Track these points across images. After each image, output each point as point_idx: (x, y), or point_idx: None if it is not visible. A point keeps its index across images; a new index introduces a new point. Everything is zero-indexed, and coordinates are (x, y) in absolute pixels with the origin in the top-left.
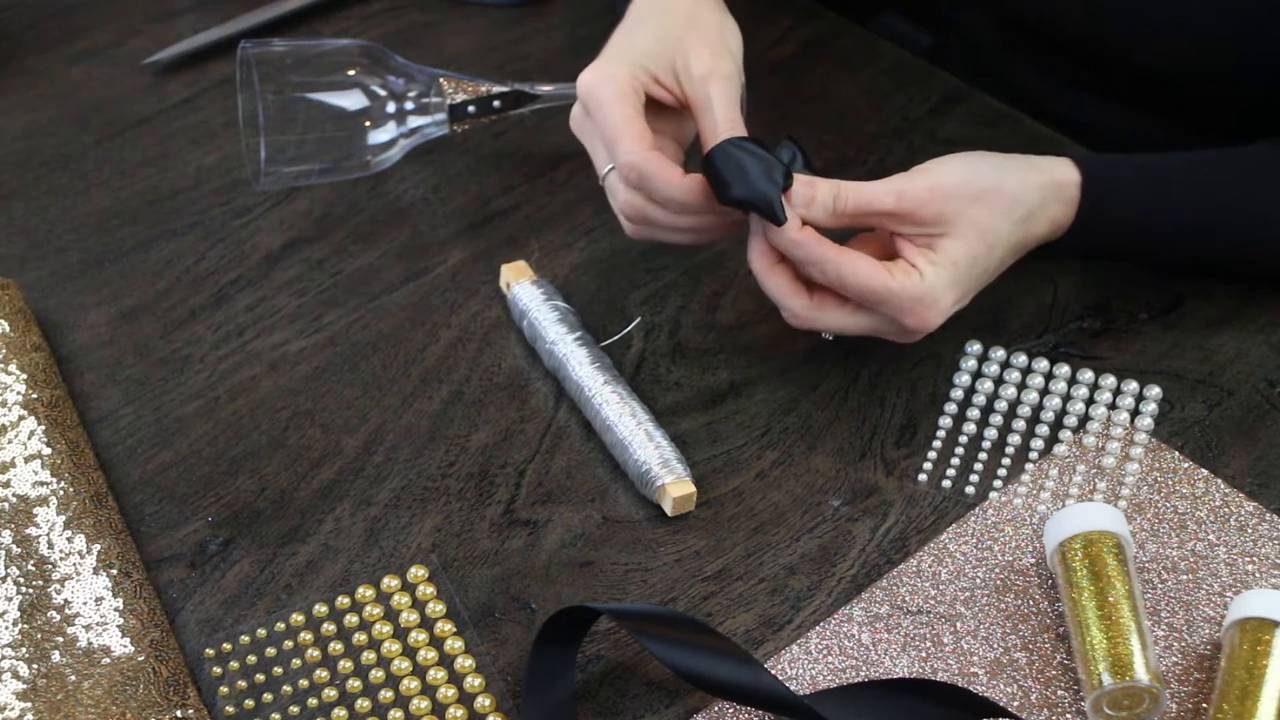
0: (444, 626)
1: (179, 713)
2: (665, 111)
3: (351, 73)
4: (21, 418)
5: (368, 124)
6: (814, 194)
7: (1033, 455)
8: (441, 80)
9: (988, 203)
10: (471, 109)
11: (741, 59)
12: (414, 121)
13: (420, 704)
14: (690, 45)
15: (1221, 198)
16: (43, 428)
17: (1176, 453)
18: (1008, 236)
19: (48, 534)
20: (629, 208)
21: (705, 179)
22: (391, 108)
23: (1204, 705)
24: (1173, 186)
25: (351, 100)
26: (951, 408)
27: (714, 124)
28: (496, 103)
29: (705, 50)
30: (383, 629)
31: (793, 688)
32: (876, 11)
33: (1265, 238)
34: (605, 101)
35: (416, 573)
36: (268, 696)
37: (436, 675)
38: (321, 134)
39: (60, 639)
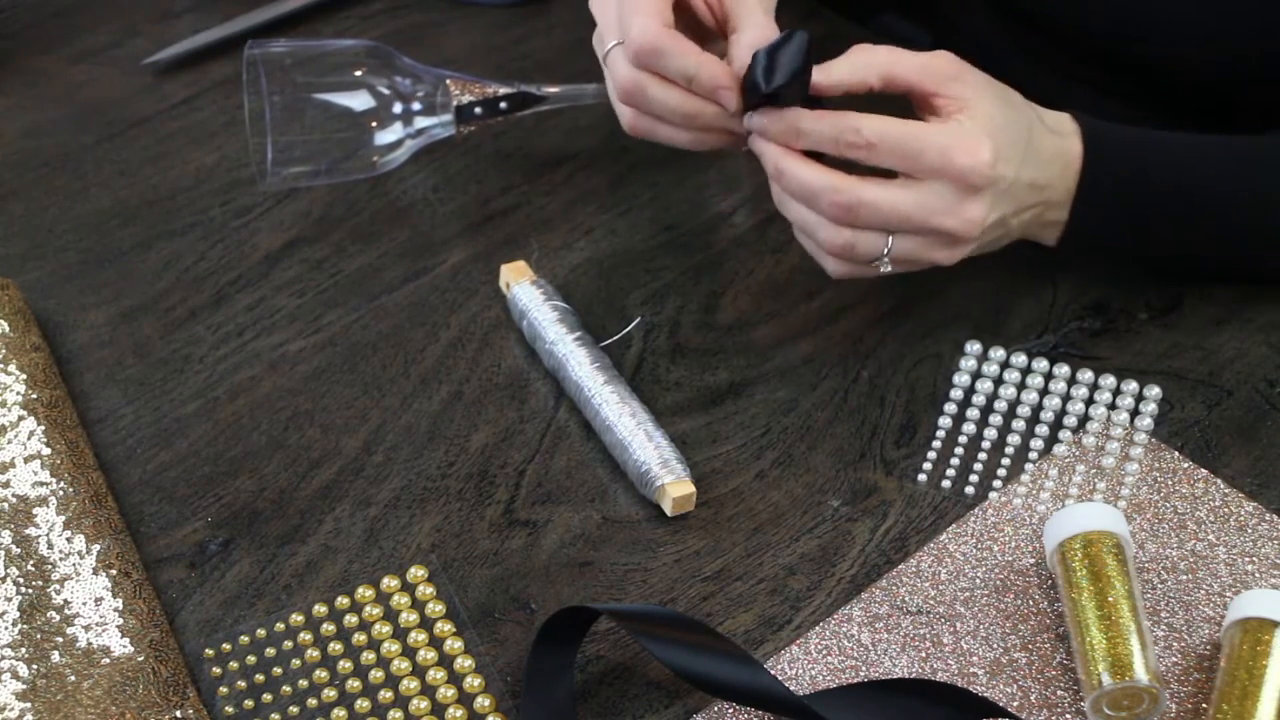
0: (444, 627)
1: (179, 713)
2: (696, 34)
3: (358, 73)
4: (21, 418)
5: (374, 124)
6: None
7: (1032, 455)
8: (449, 82)
9: (996, 83)
10: (478, 111)
11: None
12: (421, 123)
13: (420, 704)
14: None
15: (1225, 166)
16: (42, 428)
17: (1176, 453)
18: (1022, 111)
19: (47, 534)
20: (630, 84)
21: (745, 75)
22: (398, 108)
23: (1204, 705)
24: (1171, 146)
25: (359, 101)
26: (951, 408)
27: (756, 26)
28: (503, 104)
29: None
30: (382, 629)
31: (792, 688)
32: (876, 12)
33: (1263, 217)
34: None
35: (416, 573)
36: (267, 697)
37: (436, 675)
38: (328, 134)
39: (60, 639)
